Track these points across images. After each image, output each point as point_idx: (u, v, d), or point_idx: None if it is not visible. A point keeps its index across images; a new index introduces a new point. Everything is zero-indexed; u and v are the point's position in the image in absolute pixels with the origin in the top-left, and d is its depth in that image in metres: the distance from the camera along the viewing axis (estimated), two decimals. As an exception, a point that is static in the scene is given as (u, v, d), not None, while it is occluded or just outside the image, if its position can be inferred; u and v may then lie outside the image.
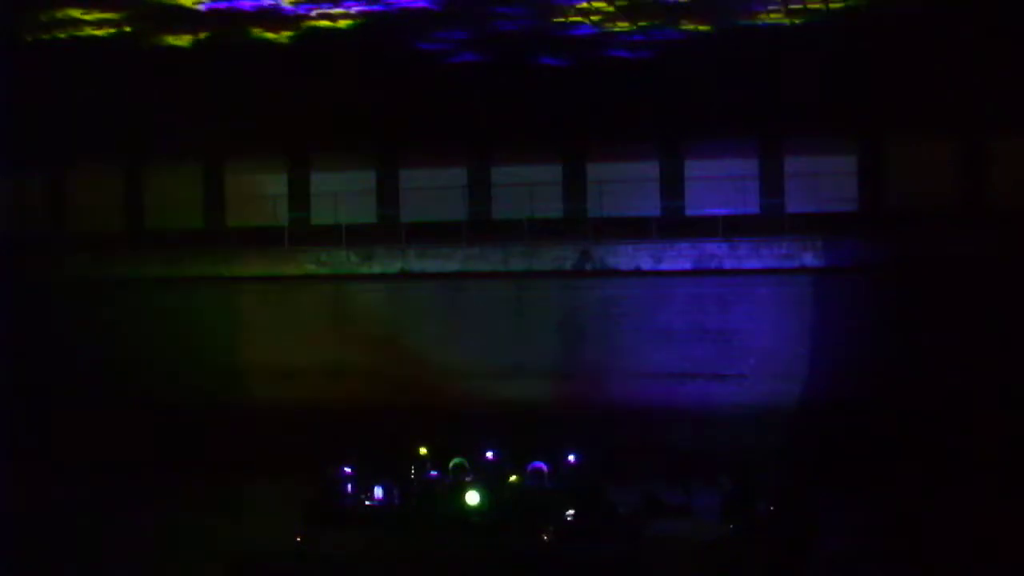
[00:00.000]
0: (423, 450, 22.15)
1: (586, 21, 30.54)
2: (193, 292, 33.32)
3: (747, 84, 30.68)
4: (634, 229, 31.51)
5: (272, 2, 29.75)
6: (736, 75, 30.73)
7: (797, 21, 30.29)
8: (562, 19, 30.64)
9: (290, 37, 32.00)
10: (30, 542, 23.71)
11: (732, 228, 30.92)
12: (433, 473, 21.60)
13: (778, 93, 30.69)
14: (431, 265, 32.13)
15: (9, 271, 31.72)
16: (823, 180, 30.77)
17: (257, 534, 21.92)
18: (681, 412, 30.02)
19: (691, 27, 30.74)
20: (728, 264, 30.80)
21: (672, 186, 32.06)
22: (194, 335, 32.95)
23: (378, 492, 20.84)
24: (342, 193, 33.35)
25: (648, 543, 19.59)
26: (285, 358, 32.35)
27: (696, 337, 30.77)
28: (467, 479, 21.10)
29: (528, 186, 32.29)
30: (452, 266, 31.98)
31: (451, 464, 21.48)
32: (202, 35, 31.90)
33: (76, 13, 30.78)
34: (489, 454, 22.27)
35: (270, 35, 31.98)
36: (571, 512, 20.00)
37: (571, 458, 22.02)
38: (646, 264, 31.22)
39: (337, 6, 29.96)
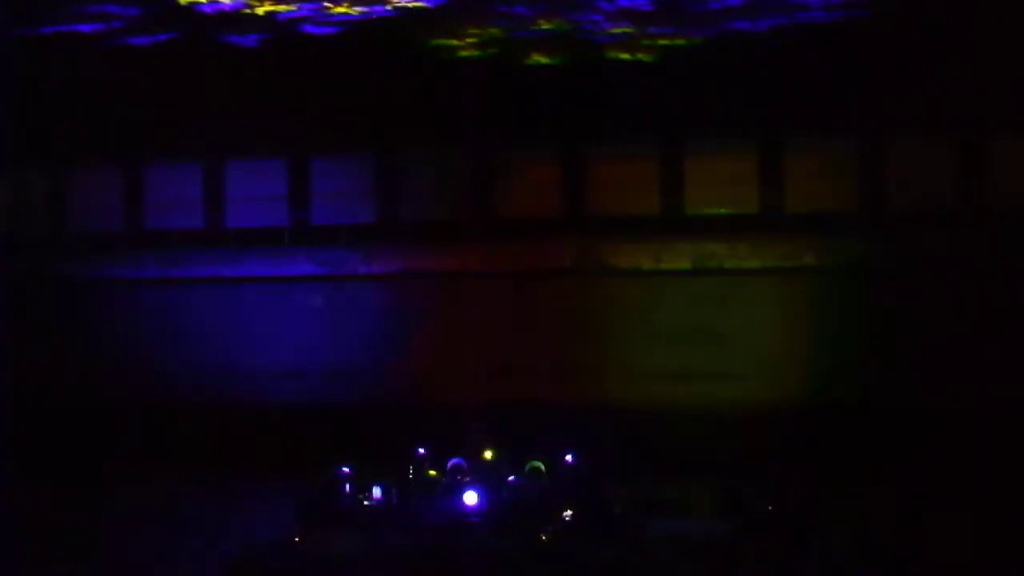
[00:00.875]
0: (421, 450, 22.18)
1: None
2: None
3: (747, 84, 30.64)
4: (634, 229, 31.48)
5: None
6: (736, 75, 30.70)
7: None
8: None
9: (293, 38, 32.03)
10: (30, 542, 23.73)
11: (732, 228, 30.92)
12: (432, 473, 21.62)
13: (778, 93, 30.63)
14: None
15: (9, 271, 31.82)
16: (822, 180, 30.74)
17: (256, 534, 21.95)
18: (681, 412, 29.99)
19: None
20: (728, 264, 30.77)
21: (672, 186, 31.97)
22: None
23: (376, 492, 20.88)
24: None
25: (646, 543, 19.59)
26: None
27: (696, 337, 30.74)
28: (465, 479, 21.12)
29: (528, 186, 32.27)
30: (451, 266, 32.01)
31: (449, 464, 21.50)
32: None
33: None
34: (488, 454, 22.30)
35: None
36: (569, 512, 20.03)
37: (569, 458, 22.06)
38: (646, 264, 31.20)
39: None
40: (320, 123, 32.93)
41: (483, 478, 21.11)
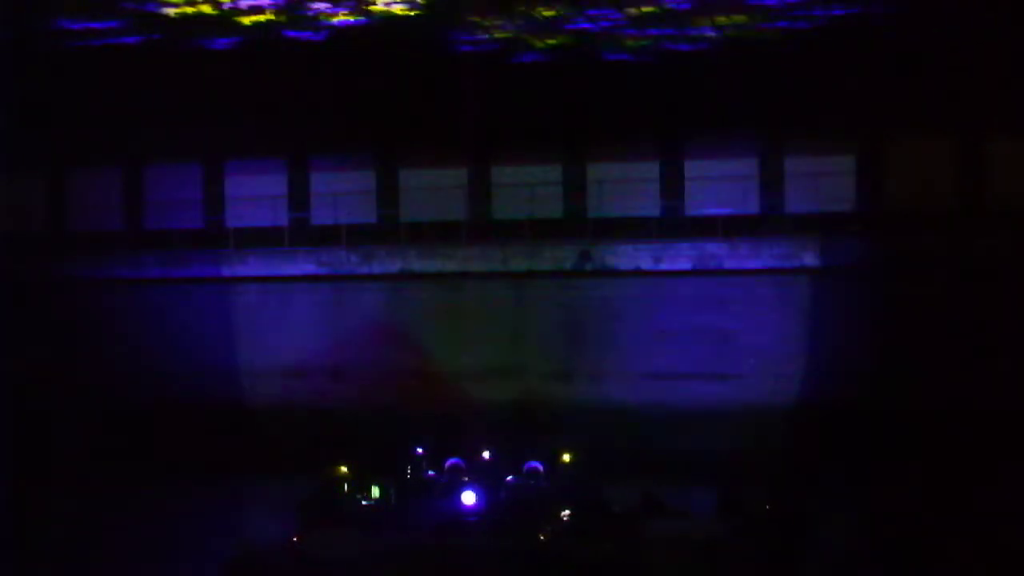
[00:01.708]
0: (419, 450, 22.15)
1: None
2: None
3: (747, 84, 30.64)
4: (634, 229, 31.50)
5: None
6: (736, 75, 30.71)
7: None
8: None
9: (295, 38, 32.05)
10: (29, 542, 23.74)
11: (732, 228, 30.94)
12: (430, 473, 21.60)
13: (778, 93, 30.63)
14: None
15: (9, 271, 31.88)
16: (823, 180, 30.76)
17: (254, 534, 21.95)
18: (681, 412, 30.00)
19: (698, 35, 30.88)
20: (728, 264, 30.79)
21: (672, 186, 31.99)
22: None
23: (375, 492, 20.84)
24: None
25: (645, 542, 19.55)
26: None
27: (696, 337, 30.75)
28: (464, 479, 21.09)
29: (528, 186, 32.30)
30: (451, 266, 32.03)
31: (447, 464, 21.48)
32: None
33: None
34: (485, 454, 22.27)
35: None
36: (567, 512, 20.00)
37: (567, 458, 22.04)
38: (646, 264, 31.21)
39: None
40: (320, 124, 32.96)
41: (481, 478, 21.06)
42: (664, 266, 31.14)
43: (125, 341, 33.31)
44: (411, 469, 21.71)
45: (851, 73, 30.13)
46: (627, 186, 32.05)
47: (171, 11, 29.53)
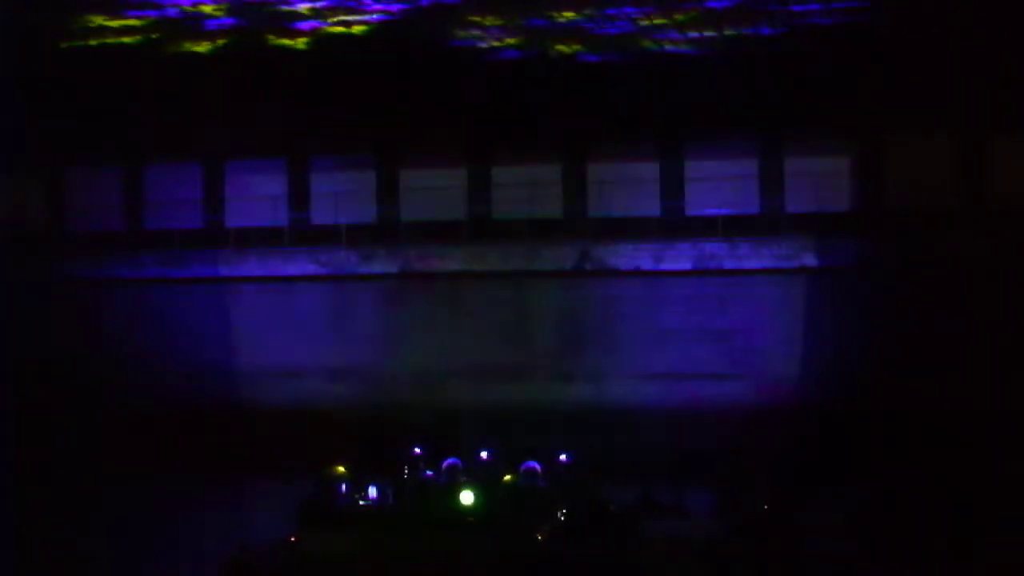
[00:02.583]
0: (417, 450, 22.16)
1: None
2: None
3: (747, 84, 30.62)
4: (634, 229, 31.49)
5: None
6: (736, 75, 30.68)
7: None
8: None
9: (306, 43, 32.08)
10: (28, 541, 23.75)
11: (732, 228, 30.92)
12: (428, 473, 21.59)
13: (778, 93, 30.61)
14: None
15: (9, 271, 31.89)
16: (823, 180, 30.73)
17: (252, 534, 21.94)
18: (680, 412, 29.99)
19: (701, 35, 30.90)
20: (728, 264, 30.78)
21: (672, 186, 31.97)
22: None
23: (372, 492, 20.84)
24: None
25: (642, 542, 19.55)
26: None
27: (696, 337, 30.74)
28: (461, 479, 21.09)
29: (528, 186, 32.29)
30: (451, 266, 32.02)
31: (445, 464, 21.47)
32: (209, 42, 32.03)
33: (99, 20, 30.93)
34: (483, 454, 22.28)
35: (285, 41, 32.03)
36: (565, 511, 20.00)
37: (563, 457, 22.06)
38: (646, 264, 31.20)
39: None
40: (320, 124, 32.95)
41: (479, 478, 21.07)
42: (664, 266, 31.12)
43: (125, 341, 33.33)
44: (409, 469, 21.73)
45: (851, 73, 30.08)
46: (627, 186, 32.00)
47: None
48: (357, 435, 27.34)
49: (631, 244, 31.27)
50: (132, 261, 34.01)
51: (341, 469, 21.10)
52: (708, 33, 30.90)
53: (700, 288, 30.90)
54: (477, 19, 30.49)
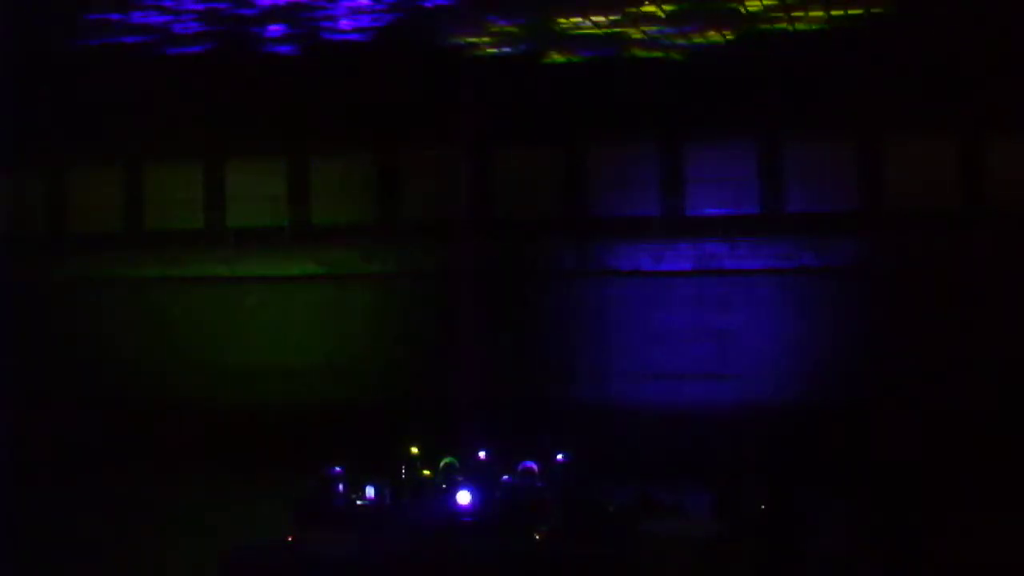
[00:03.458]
0: (414, 449, 22.17)
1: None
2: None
3: (747, 84, 30.59)
4: (634, 228, 31.45)
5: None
6: (736, 75, 30.66)
7: (800, 27, 30.29)
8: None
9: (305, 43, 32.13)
10: (27, 540, 23.76)
11: (732, 228, 30.89)
12: (425, 473, 21.60)
13: (778, 93, 30.57)
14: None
15: (9, 271, 31.92)
16: (823, 180, 30.69)
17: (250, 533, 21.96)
18: (680, 412, 29.96)
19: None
20: (728, 264, 30.74)
21: (672, 185, 31.93)
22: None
23: (369, 492, 20.86)
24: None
25: (640, 542, 19.54)
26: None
27: (696, 337, 30.72)
28: (458, 479, 21.10)
29: (527, 184, 32.26)
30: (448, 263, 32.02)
31: (442, 463, 21.50)
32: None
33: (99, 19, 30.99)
34: (481, 454, 22.30)
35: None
36: (562, 511, 20.00)
37: (561, 457, 22.08)
38: (646, 264, 31.18)
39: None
40: (320, 124, 32.95)
41: (476, 478, 21.08)
42: (664, 266, 31.09)
43: (124, 341, 33.37)
44: (406, 469, 21.74)
45: (852, 72, 30.04)
46: (627, 185, 31.97)
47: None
48: (355, 435, 27.31)
49: (631, 244, 31.21)
50: (132, 261, 34.02)
51: (338, 469, 21.13)
52: (709, 33, 30.94)
53: (700, 288, 30.86)
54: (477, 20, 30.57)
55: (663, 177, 31.84)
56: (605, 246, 31.40)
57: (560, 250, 31.73)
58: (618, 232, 31.54)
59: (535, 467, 21.30)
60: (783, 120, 30.84)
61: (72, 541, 24.16)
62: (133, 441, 31.55)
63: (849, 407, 28.89)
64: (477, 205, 32.26)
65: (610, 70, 32.04)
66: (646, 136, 31.81)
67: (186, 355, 33.12)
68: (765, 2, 29.15)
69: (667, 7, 29.57)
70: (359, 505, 20.78)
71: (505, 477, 21.15)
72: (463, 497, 20.18)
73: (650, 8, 29.61)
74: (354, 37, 31.58)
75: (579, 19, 30.39)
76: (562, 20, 30.65)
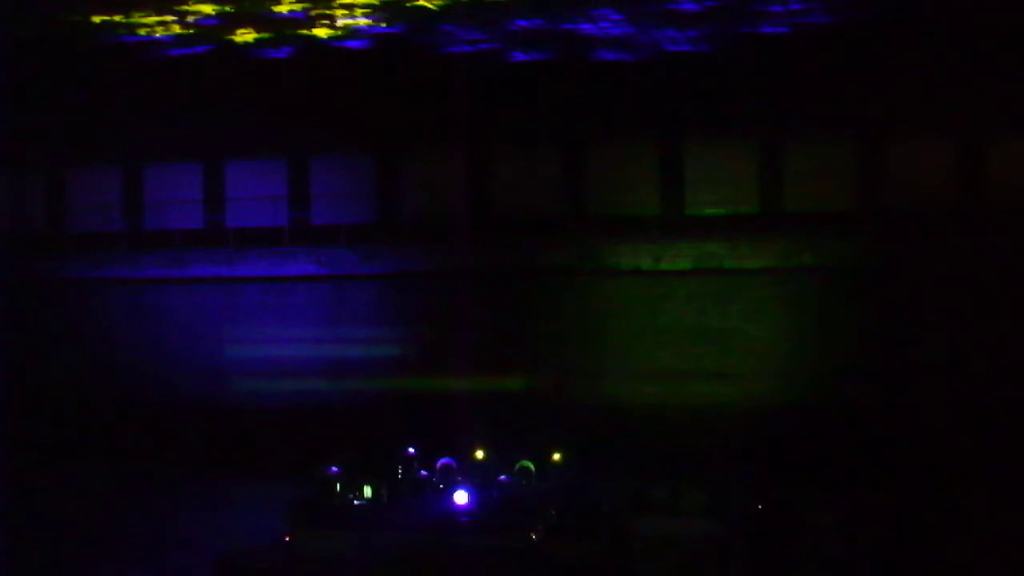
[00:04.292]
0: (411, 450, 22.18)
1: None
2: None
3: (748, 83, 30.59)
4: (634, 228, 31.46)
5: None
6: (736, 75, 30.66)
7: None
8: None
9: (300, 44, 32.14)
10: (26, 539, 23.81)
11: (731, 228, 30.87)
12: (422, 473, 21.61)
13: (778, 93, 30.57)
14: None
15: (9, 271, 31.95)
16: (823, 180, 30.68)
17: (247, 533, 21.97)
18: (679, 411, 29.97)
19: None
20: (728, 264, 30.73)
21: (672, 185, 31.92)
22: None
23: (367, 492, 20.86)
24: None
25: (636, 541, 19.54)
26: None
27: (696, 337, 30.71)
28: (456, 478, 21.10)
29: (527, 184, 32.27)
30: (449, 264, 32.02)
31: (439, 464, 21.49)
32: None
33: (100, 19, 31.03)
34: (478, 454, 22.29)
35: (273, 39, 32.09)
36: (559, 511, 20.00)
37: (558, 457, 22.07)
38: (646, 263, 31.17)
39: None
40: (320, 124, 32.97)
41: (473, 477, 21.09)
42: (664, 265, 31.07)
43: (124, 341, 33.39)
44: (403, 469, 21.75)
45: (852, 73, 30.03)
46: (627, 185, 31.97)
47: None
48: (353, 435, 27.34)
49: (631, 243, 31.20)
50: (132, 261, 34.05)
51: (335, 469, 21.13)
52: (708, 32, 30.92)
53: (700, 288, 30.85)
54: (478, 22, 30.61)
55: (663, 177, 31.83)
56: (605, 246, 31.37)
57: (560, 250, 31.71)
58: (618, 232, 31.48)
59: (531, 467, 21.37)
60: (783, 120, 30.83)
61: (70, 539, 24.24)
62: (131, 441, 31.54)
63: (849, 406, 28.85)
64: (477, 205, 32.25)
65: (610, 70, 32.05)
66: (646, 136, 31.79)
67: (186, 355, 33.09)
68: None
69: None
70: (356, 505, 20.77)
71: (502, 477, 21.16)
72: (460, 497, 20.17)
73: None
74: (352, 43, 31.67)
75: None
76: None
